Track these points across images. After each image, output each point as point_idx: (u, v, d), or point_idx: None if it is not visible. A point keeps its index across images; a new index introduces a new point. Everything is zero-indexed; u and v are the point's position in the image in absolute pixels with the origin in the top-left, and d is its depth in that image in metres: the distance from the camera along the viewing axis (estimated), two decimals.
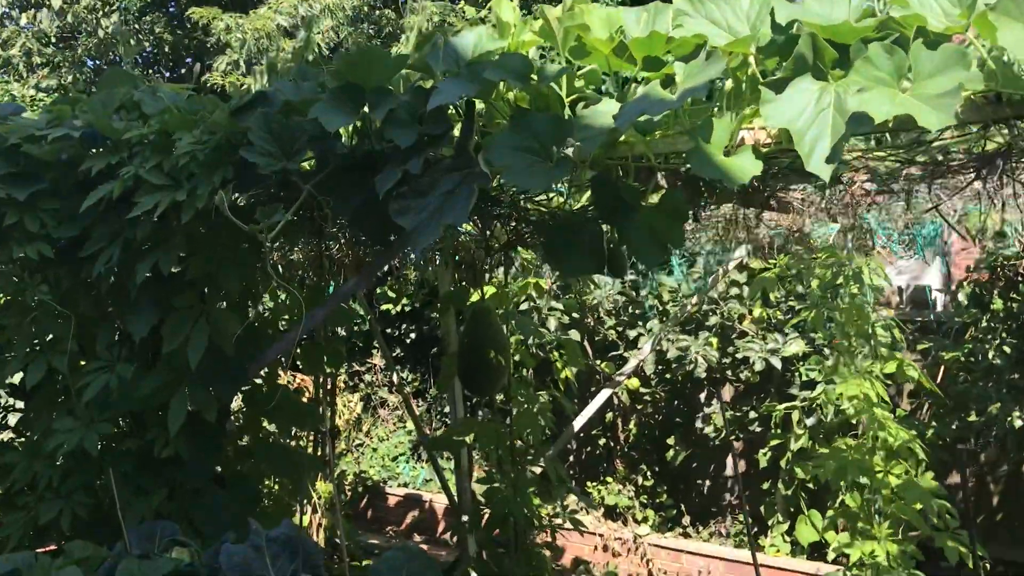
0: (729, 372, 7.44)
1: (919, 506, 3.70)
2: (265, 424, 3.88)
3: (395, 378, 6.57)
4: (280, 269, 6.17)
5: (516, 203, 2.90)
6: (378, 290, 10.27)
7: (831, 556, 6.82)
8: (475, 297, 4.17)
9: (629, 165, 2.36)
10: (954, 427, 6.68)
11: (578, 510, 4.35)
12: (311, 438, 7.19)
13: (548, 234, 2.35)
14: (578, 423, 5.31)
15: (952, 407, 6.69)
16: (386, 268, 10.06)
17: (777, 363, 6.78)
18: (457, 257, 5.72)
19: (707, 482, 8.79)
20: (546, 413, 4.09)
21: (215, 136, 2.91)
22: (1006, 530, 6.94)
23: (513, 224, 3.35)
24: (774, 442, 6.82)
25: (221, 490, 3.49)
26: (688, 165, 2.57)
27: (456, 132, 2.49)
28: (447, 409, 10.22)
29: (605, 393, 5.80)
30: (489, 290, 4.61)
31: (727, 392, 8.47)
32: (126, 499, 3.33)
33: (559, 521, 4.33)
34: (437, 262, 5.93)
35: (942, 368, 6.88)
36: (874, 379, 3.96)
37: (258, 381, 3.76)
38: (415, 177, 2.48)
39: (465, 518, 5.80)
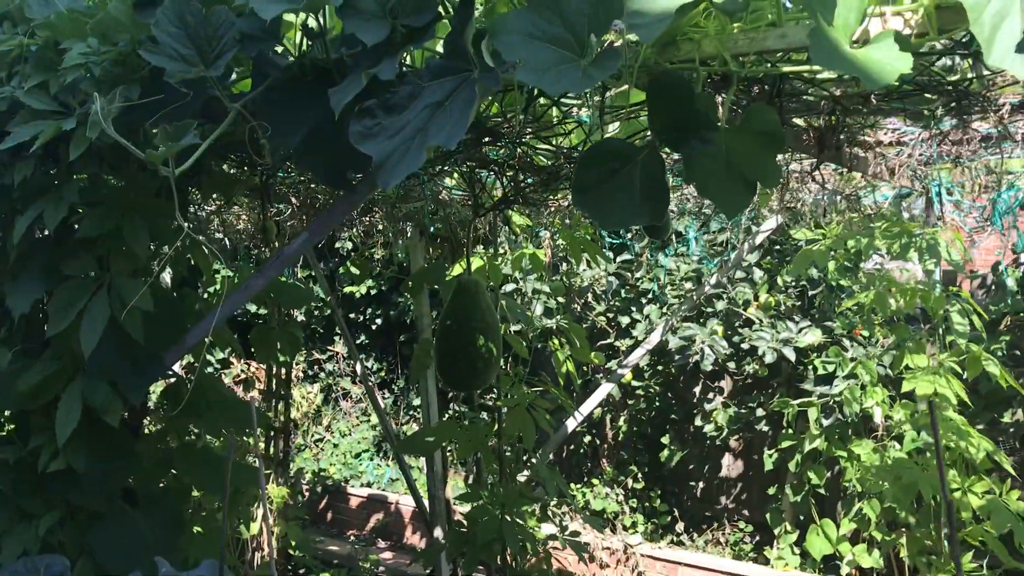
0: (732, 364, 6.81)
1: (1005, 529, 3.08)
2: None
3: (359, 368, 5.85)
4: (223, 239, 5.43)
5: (518, 138, 2.20)
6: (340, 270, 9.52)
7: (844, 571, 6.25)
8: (457, 270, 3.48)
9: (694, 71, 1.67)
10: (982, 428, 6.10)
11: (580, 531, 3.66)
12: (264, 435, 6.47)
13: (583, 170, 1.66)
14: (572, 424, 4.64)
15: (983, 406, 6.10)
16: (351, 245, 9.32)
17: (791, 354, 6.15)
18: (433, 228, 5.02)
19: (701, 484, 8.17)
20: (543, 414, 3.41)
21: (115, 47, 2.19)
22: None
23: (510, 174, 2.66)
24: (786, 443, 6.19)
25: (133, 512, 2.78)
26: (769, 76, 1.89)
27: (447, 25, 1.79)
28: (416, 402, 9.51)
29: (606, 388, 5.15)
30: (475, 262, 3.91)
31: (725, 386, 7.85)
32: (3, 526, 2.63)
33: (556, 545, 3.67)
34: (408, 234, 5.23)
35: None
36: (949, 375, 3.33)
37: (182, 373, 3.04)
38: (387, 88, 1.78)
39: (438, 532, 5.13)
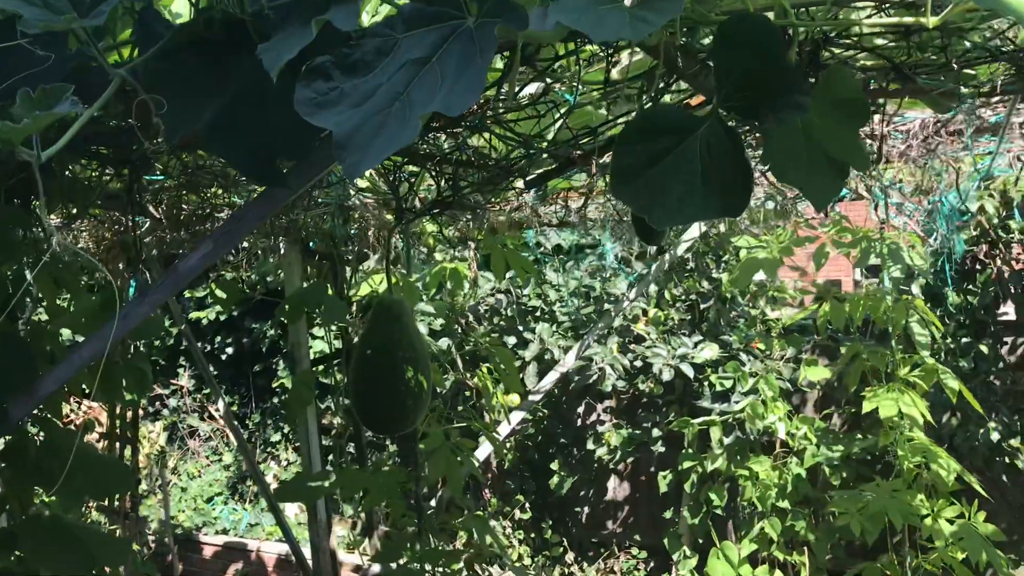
0: (621, 382, 6.57)
1: (983, 557, 2.90)
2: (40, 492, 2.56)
3: (221, 404, 5.21)
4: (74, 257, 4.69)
5: (484, 122, 1.80)
6: (187, 294, 8.72)
7: None
8: (364, 290, 3.02)
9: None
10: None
11: None
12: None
13: (624, 150, 1.28)
14: (480, 455, 4.23)
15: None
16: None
17: (689, 371, 5.96)
18: (312, 243, 4.50)
19: (587, 509, 7.91)
20: (469, 455, 2.98)
21: None
22: None
23: (448, 170, 2.24)
24: (687, 464, 6.00)
25: None
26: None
27: None
28: (274, 438, 8.83)
29: (517, 416, 4.76)
30: (377, 281, 3.45)
31: (611, 406, 7.64)
32: None
33: None
34: (282, 250, 4.69)
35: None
36: (913, 393, 3.15)
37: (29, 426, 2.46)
38: (343, 42, 1.34)
39: None
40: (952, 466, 3.11)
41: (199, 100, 1.54)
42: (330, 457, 6.99)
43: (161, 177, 2.80)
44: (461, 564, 2.90)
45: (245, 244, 4.92)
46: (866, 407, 3.24)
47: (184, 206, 3.41)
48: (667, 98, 1.79)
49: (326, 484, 3.95)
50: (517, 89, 1.67)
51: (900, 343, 3.52)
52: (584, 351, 5.50)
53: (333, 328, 4.80)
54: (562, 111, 1.84)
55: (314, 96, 1.31)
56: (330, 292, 4.32)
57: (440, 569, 2.86)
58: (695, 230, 4.64)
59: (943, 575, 3.34)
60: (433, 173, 2.26)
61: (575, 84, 1.70)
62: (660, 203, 1.27)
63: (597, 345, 5.91)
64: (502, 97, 1.69)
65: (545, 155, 2.08)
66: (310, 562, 5.06)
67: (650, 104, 1.54)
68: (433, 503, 3.98)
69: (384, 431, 2.56)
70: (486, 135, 2.21)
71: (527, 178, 2.20)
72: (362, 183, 2.55)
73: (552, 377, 5.05)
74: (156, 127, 1.58)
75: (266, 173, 1.59)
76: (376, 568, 4.57)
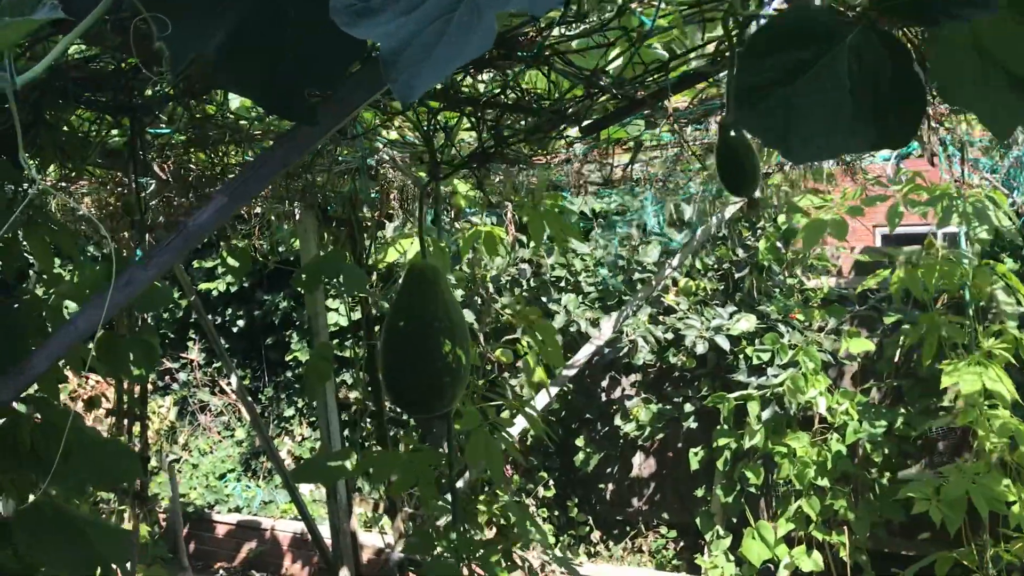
0: (651, 356, 6.32)
1: None
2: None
3: (233, 379, 5.00)
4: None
5: (545, 54, 1.54)
6: (194, 263, 8.50)
7: (782, 574, 5.89)
8: (392, 255, 2.77)
9: None
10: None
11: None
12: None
13: (750, 64, 1.01)
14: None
15: (920, 391, 5.86)
16: (207, 236, 8.30)
17: (724, 343, 5.71)
18: (330, 208, 4.25)
19: (611, 486, 7.70)
20: (509, 437, 2.75)
21: None
22: None
23: (491, 117, 1.98)
24: (723, 440, 5.76)
25: None
26: None
27: None
28: (288, 413, 8.63)
29: (544, 398, 4.53)
30: (405, 245, 3.19)
31: (630, 380, 7.39)
32: None
33: None
34: (297, 216, 4.44)
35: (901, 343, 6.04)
36: (998, 368, 2.89)
37: (20, 406, 2.23)
38: None
39: (345, 572, 4.39)
40: None
41: (207, 19, 1.29)
42: (345, 432, 6.79)
43: (167, 130, 2.55)
44: (499, 555, 2.68)
45: (258, 210, 4.67)
46: (945, 382, 2.98)
47: (192, 165, 3.16)
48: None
49: (349, 465, 3.73)
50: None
51: (977, 313, 3.25)
52: (622, 323, 5.25)
53: (351, 298, 4.56)
54: (634, 39, 1.57)
55: (353, 2, 1.05)
56: (349, 260, 4.08)
57: (476, 559, 2.64)
58: None
59: None
60: (473, 120, 2.00)
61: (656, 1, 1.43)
62: (797, 130, 1.01)
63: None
64: (570, 19, 1.43)
65: (607, 96, 1.81)
66: (328, 541, 4.87)
67: (786, 5, 1.28)
68: (460, 485, 3.75)
69: (419, 411, 2.31)
70: (532, 76, 1.95)
71: (583, 123, 1.93)
72: (391, 134, 2.28)
73: (587, 351, 4.81)
74: (158, 55, 1.32)
75: (289, 106, 1.33)
76: (399, 552, 4.36)
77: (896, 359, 6.20)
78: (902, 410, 5.80)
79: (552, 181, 2.96)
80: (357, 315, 4.36)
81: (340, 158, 2.95)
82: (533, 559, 2.97)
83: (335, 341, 7.28)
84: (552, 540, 6.87)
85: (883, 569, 6.22)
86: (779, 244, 5.80)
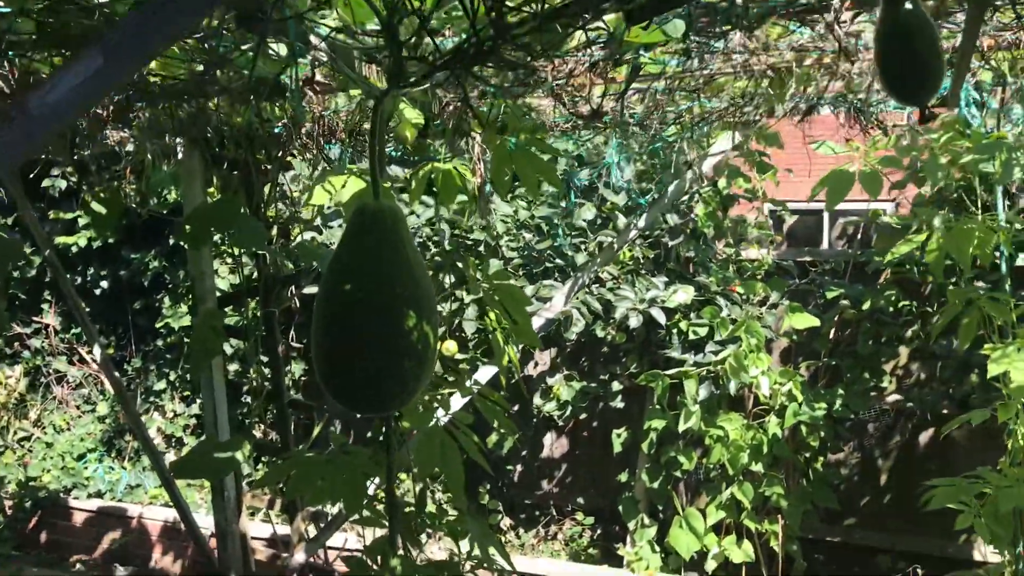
0: (574, 330, 5.81)
1: None
2: None
3: (97, 350, 4.23)
4: None
5: None
6: (51, 214, 7.49)
7: (711, 567, 5.54)
8: (318, 199, 2.11)
9: None
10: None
11: None
12: None
13: None
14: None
15: (859, 373, 5.58)
16: (63, 185, 7.31)
17: (660, 316, 5.24)
18: (221, 148, 3.53)
19: (519, 467, 7.21)
20: (470, 438, 2.16)
21: None
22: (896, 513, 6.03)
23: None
24: (656, 422, 5.32)
25: None
26: None
27: None
28: (159, 386, 7.77)
29: (487, 372, 3.94)
30: (337, 185, 2.53)
31: (547, 355, 6.90)
32: None
33: None
34: (180, 153, 3.70)
35: (837, 320, 5.75)
36: None
37: None
38: None
39: None
40: None
41: None
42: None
43: (5, 9, 1.83)
44: None
45: (129, 147, 3.90)
46: (993, 369, 2.57)
47: (43, 72, 2.42)
48: None
49: (240, 456, 3.09)
50: None
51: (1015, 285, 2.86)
52: (576, 293, 4.71)
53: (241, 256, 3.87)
54: None
55: None
56: (243, 210, 3.39)
57: None
58: (727, 141, 3.87)
59: None
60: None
61: None
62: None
63: (558, 285, 5.11)
64: None
65: None
66: (212, 542, 4.20)
67: None
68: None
69: (372, 408, 1.70)
70: None
71: (628, 6, 1.36)
72: (332, 21, 1.65)
73: (536, 323, 4.24)
74: None
75: None
76: (300, 556, 3.73)
77: (830, 336, 5.91)
78: (840, 391, 5.51)
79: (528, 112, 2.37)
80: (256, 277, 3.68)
81: (244, 70, 2.27)
82: None
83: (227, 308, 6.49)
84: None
85: (810, 556, 5.98)
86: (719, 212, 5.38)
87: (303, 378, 6.95)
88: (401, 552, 2.12)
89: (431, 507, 2.31)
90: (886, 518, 6.05)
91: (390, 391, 1.64)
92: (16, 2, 1.78)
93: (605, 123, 2.66)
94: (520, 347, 4.11)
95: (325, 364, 1.66)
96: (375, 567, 2.04)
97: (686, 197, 5.47)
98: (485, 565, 2.25)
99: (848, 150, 2.89)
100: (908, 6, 1.07)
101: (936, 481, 2.60)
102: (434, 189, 2.44)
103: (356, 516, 2.23)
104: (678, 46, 2.10)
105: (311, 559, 3.72)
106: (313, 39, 1.75)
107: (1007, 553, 2.41)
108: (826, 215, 6.91)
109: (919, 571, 5.47)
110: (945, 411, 5.55)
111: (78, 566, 6.84)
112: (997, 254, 2.74)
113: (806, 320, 5.21)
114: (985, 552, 5.48)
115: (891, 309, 5.39)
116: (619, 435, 5.93)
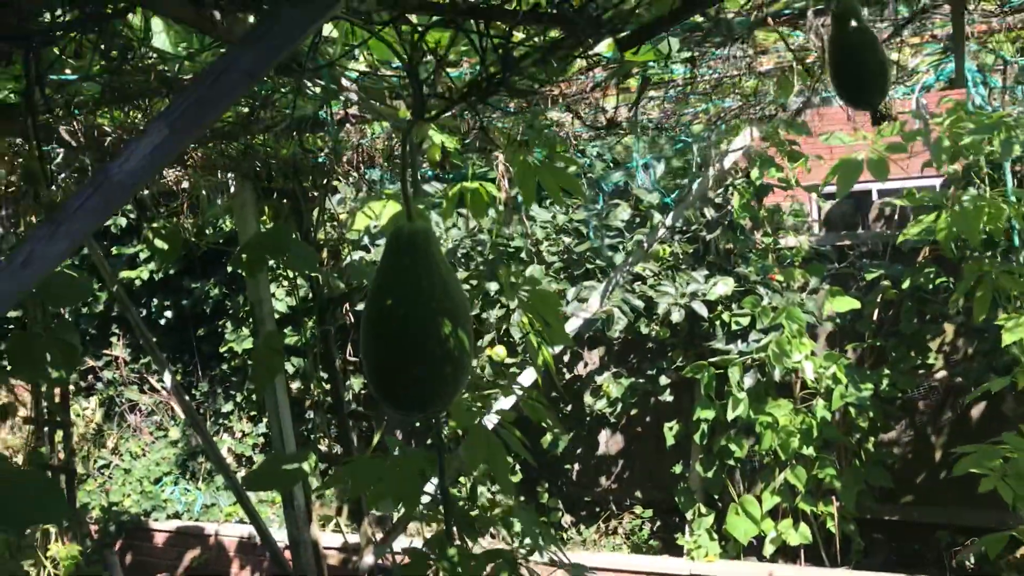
0: (619, 327, 5.95)
1: None
2: None
3: (167, 377, 4.48)
4: None
5: None
6: (114, 251, 7.85)
7: (769, 551, 5.63)
8: (361, 222, 2.32)
9: None
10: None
11: None
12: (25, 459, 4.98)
13: None
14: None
15: (905, 352, 5.62)
16: (124, 222, 7.65)
17: (702, 309, 5.36)
18: (270, 180, 3.76)
19: (577, 466, 7.36)
20: (513, 433, 2.34)
21: None
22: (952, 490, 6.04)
23: (497, 37, 1.55)
24: (705, 412, 5.44)
25: None
26: None
27: None
28: (226, 408, 8.08)
29: (528, 375, 4.12)
30: (377, 210, 2.73)
31: (595, 354, 7.04)
32: None
33: None
34: (232, 189, 3.94)
35: (879, 302, 5.80)
36: None
37: None
38: None
39: None
40: None
41: None
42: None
43: (72, 77, 2.05)
44: (506, 569, 2.28)
45: (185, 184, 4.15)
46: (1007, 338, 2.67)
47: (107, 127, 2.65)
48: None
49: (306, 467, 3.29)
50: None
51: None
52: (611, 292, 4.85)
53: (296, 280, 4.10)
54: None
55: None
56: (295, 236, 3.62)
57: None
58: (747, 136, 3.99)
59: None
60: (475, 35, 1.57)
61: None
62: None
63: (598, 284, 5.25)
64: None
65: None
66: (283, 548, 4.43)
67: None
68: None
69: (416, 409, 1.87)
70: None
71: (619, 35, 1.52)
72: (360, 64, 1.83)
73: (574, 324, 4.40)
74: None
75: None
76: (369, 559, 3.93)
77: (874, 318, 5.96)
78: (886, 371, 5.56)
79: (544, 132, 2.54)
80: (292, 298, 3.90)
81: (287, 109, 2.48)
82: (536, 566, 2.57)
83: (286, 329, 6.76)
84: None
85: (869, 536, 6.03)
86: (752, 202, 5.49)
87: (363, 391, 7.18)
88: (458, 543, 2.29)
89: (484, 502, 2.48)
90: (943, 494, 6.07)
91: (431, 392, 1.82)
92: (82, 70, 1.99)
93: (623, 130, 2.81)
94: (557, 348, 4.25)
95: (373, 372, 1.85)
96: (433, 557, 2.22)
97: (720, 190, 5.58)
98: (538, 554, 2.41)
99: (856, 139, 3.00)
100: (854, 24, 1.22)
101: (961, 449, 2.70)
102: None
103: (414, 512, 2.41)
104: (685, 55, 2.25)
105: (379, 561, 3.92)
106: (344, 81, 1.94)
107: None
108: (873, 195, 6.91)
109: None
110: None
111: None
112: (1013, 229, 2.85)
113: (847, 303, 5.28)
114: None
115: (930, 287, 5.43)
116: (671, 428, 6.05)
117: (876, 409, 5.58)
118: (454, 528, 2.30)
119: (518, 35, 1.62)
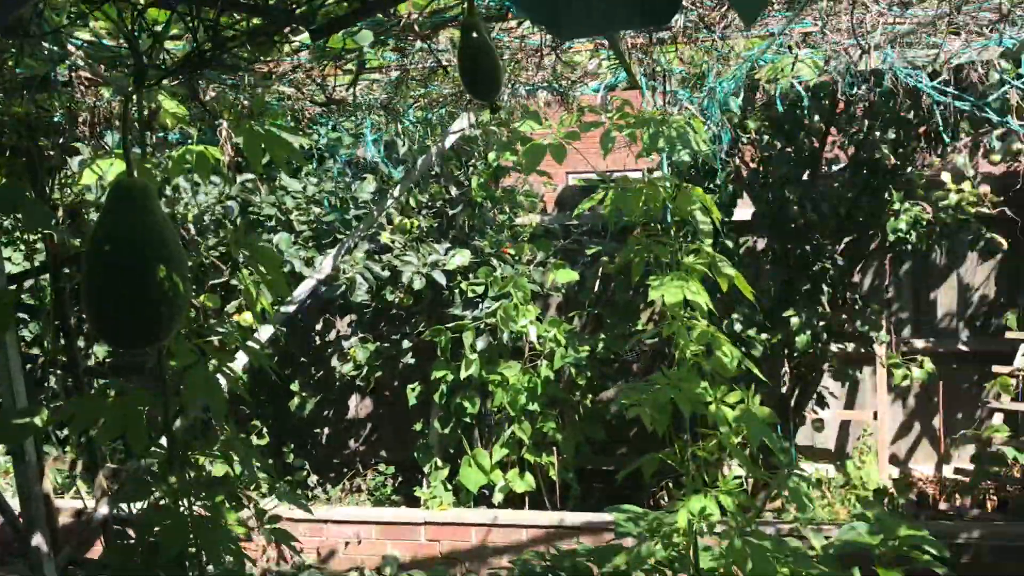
0: (367, 296, 6.27)
1: (766, 441, 2.97)
2: None
3: None
4: None
5: None
6: None
7: (497, 498, 6.17)
8: (104, 175, 2.45)
9: None
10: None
11: (280, 516, 2.92)
12: None
13: None
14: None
15: (618, 317, 6.32)
16: None
17: (441, 278, 5.78)
18: (2, 137, 3.74)
19: (327, 430, 7.62)
20: (235, 374, 2.58)
21: None
22: None
23: (211, 16, 1.80)
24: (440, 372, 5.87)
25: None
26: None
27: None
28: None
29: (266, 330, 4.30)
30: (104, 168, 2.86)
31: (346, 322, 7.31)
32: None
33: (257, 536, 2.89)
34: None
35: (600, 274, 6.48)
36: (696, 281, 3.13)
37: None
38: None
39: (38, 540, 3.98)
40: (734, 353, 3.18)
41: None
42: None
43: None
44: (224, 495, 2.53)
45: None
46: (652, 295, 3.22)
47: None
48: None
49: (38, 421, 3.36)
50: None
51: (677, 232, 3.54)
52: (341, 258, 5.12)
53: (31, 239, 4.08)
54: None
55: None
56: (28, 194, 3.63)
57: (200, 501, 2.47)
58: (464, 121, 4.39)
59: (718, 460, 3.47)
60: (188, 19, 1.82)
61: None
62: (567, 10, 0.99)
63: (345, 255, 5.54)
64: None
65: None
66: (18, 510, 4.40)
67: None
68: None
69: (131, 344, 2.10)
70: None
71: (311, 27, 1.82)
72: (84, 33, 2.01)
73: (307, 285, 4.64)
74: None
75: None
76: (104, 510, 4.02)
77: (595, 289, 6.64)
78: (602, 336, 6.24)
79: (269, 104, 2.79)
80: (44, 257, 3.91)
81: (19, 70, 2.58)
82: (259, 499, 2.84)
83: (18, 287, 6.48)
84: (265, 488, 6.68)
85: (587, 484, 6.72)
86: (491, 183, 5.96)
87: (107, 359, 7.04)
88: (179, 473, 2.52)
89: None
90: (650, 445, 6.85)
91: (146, 329, 2.05)
92: None
93: (349, 107, 3.12)
94: (291, 307, 4.53)
95: (94, 313, 2.06)
96: (155, 486, 2.43)
97: (463, 170, 6.02)
98: (253, 485, 2.67)
99: (545, 127, 3.50)
100: (475, 35, 1.60)
101: (627, 387, 3.29)
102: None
103: (141, 448, 2.61)
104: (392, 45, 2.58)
105: (115, 511, 4.02)
106: (71, 47, 2.12)
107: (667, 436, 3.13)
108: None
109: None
110: None
111: None
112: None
113: (567, 275, 5.89)
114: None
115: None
116: (413, 389, 6.45)
117: (594, 370, 6.24)
118: (176, 460, 2.53)
119: (226, 19, 1.88)
